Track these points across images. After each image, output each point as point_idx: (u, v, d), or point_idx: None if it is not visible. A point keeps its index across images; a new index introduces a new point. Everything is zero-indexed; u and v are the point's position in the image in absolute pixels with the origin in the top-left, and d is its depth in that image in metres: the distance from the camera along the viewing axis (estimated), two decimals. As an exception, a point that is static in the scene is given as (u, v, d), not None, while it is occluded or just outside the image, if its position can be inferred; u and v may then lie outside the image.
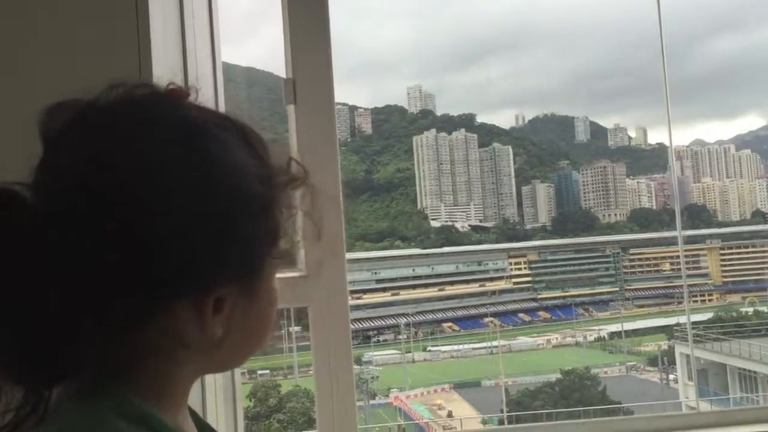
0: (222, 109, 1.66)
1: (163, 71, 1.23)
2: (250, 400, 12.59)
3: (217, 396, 1.49)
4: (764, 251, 33.98)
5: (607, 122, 46.31)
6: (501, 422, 14.46)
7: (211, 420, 1.43)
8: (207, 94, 1.61)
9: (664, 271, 33.33)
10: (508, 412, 15.26)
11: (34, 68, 1.19)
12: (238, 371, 1.66)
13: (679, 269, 32.71)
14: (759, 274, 32.82)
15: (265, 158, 0.62)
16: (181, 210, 0.56)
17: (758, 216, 38.25)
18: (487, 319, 29.81)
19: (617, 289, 33.66)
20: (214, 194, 0.57)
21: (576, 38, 57.40)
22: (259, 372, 15.60)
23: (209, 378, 1.39)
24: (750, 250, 33.86)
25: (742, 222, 37.69)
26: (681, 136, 45.21)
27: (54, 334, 0.54)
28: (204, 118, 0.61)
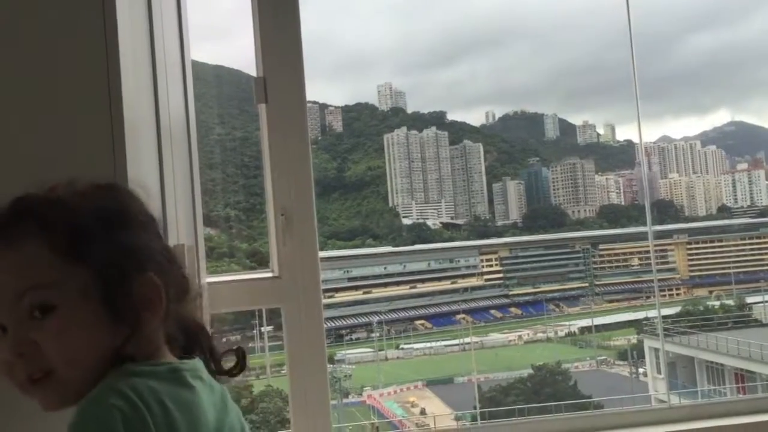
0: (192, 106, 1.64)
1: (131, 67, 1.20)
2: (222, 401, 12.50)
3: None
4: (729, 245, 34.63)
5: (576, 119, 46.83)
6: (474, 419, 14.54)
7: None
8: (176, 91, 1.58)
9: (633, 266, 33.80)
10: (480, 408, 15.36)
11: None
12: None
13: (648, 264, 33.20)
14: (724, 269, 33.46)
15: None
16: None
17: (724, 211, 39.00)
18: (459, 316, 29.97)
19: (587, 284, 34.06)
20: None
21: (554, 36, 57.65)
22: (231, 372, 15.45)
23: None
24: (716, 244, 34.48)
25: (708, 217, 38.39)
26: (649, 133, 45.69)
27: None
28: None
